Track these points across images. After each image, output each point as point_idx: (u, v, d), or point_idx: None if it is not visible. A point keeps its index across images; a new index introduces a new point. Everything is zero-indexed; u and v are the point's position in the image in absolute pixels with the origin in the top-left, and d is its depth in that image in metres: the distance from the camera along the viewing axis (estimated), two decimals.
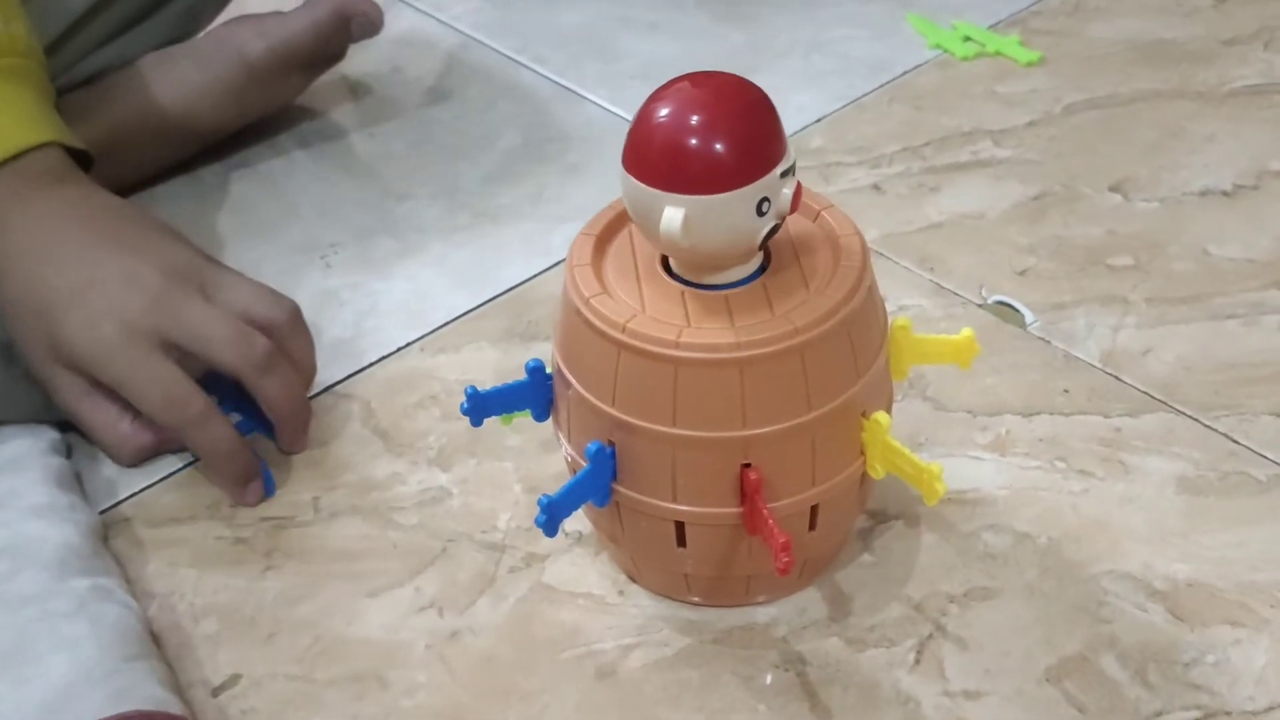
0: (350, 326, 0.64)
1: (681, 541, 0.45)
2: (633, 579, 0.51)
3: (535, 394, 0.47)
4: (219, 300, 0.54)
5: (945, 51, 0.83)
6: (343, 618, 0.50)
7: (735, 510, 0.44)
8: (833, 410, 0.43)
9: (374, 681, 0.48)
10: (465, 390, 0.46)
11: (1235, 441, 0.55)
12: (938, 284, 0.64)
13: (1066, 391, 0.58)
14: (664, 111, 0.40)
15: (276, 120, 0.78)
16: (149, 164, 0.62)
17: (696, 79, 0.41)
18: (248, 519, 0.55)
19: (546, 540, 0.53)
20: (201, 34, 0.74)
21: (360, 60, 0.82)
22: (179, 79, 0.70)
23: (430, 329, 0.64)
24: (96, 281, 0.53)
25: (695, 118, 0.40)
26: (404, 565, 0.52)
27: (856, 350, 0.43)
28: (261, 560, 0.53)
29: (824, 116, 0.77)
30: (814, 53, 0.84)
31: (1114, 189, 0.70)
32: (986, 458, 0.55)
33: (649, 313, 0.43)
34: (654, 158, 0.40)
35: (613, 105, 0.80)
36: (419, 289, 0.66)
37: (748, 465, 0.43)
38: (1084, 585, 0.50)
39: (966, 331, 0.48)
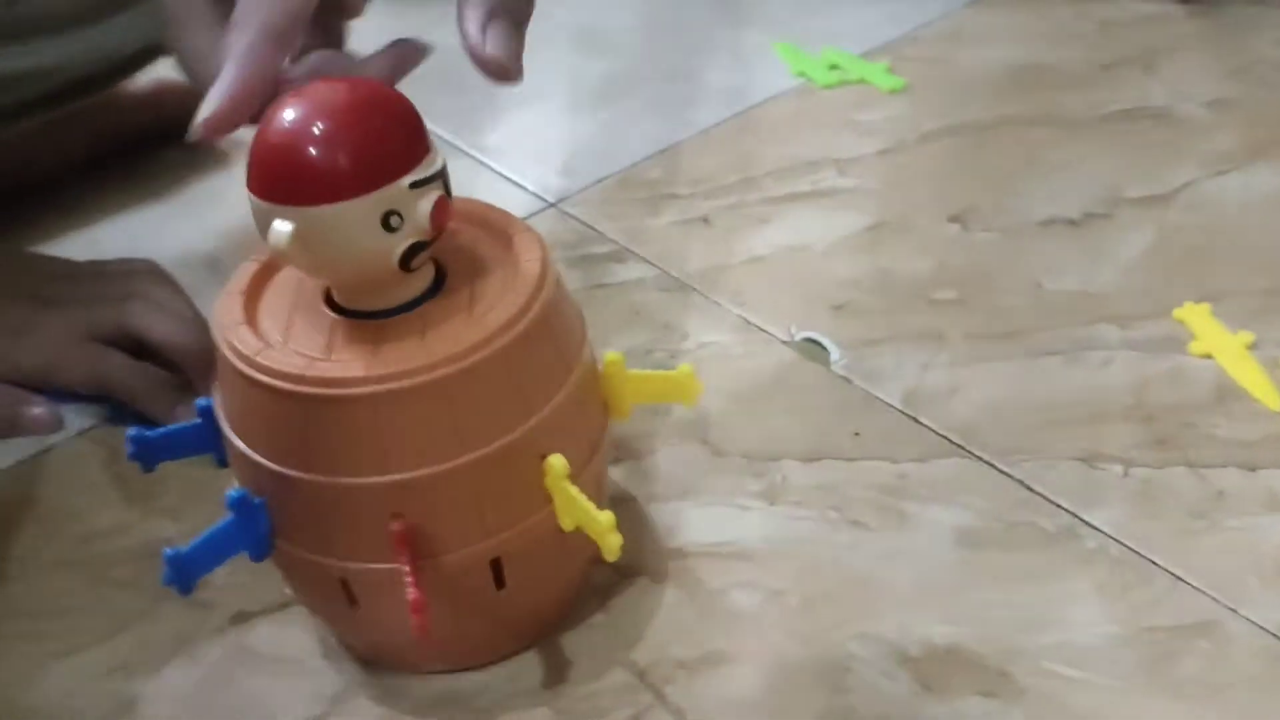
0: None
1: (353, 601, 0.41)
2: (341, 641, 0.46)
3: (211, 436, 0.43)
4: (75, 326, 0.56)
5: (808, 79, 0.78)
6: (21, 683, 0.46)
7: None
8: (495, 453, 0.38)
9: None
10: (128, 434, 0.42)
11: (1029, 488, 0.50)
12: (746, 320, 0.60)
13: (857, 434, 0.53)
14: (276, 119, 0.36)
15: None
16: None
17: (321, 85, 0.37)
18: None
19: (263, 596, 0.48)
20: None
21: None
22: None
23: None
24: None
25: (304, 123, 0.36)
26: (102, 624, 0.48)
27: (524, 385, 0.38)
28: None
29: (668, 147, 0.73)
30: (670, 81, 0.80)
31: (954, 219, 0.65)
32: (754, 507, 0.50)
33: (290, 345, 0.38)
34: (260, 168, 0.36)
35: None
36: None
37: (400, 514, 0.38)
38: (830, 650, 0.44)
39: (684, 367, 0.44)
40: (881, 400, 0.54)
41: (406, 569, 0.37)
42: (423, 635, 0.36)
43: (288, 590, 0.47)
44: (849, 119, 0.74)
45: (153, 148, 0.73)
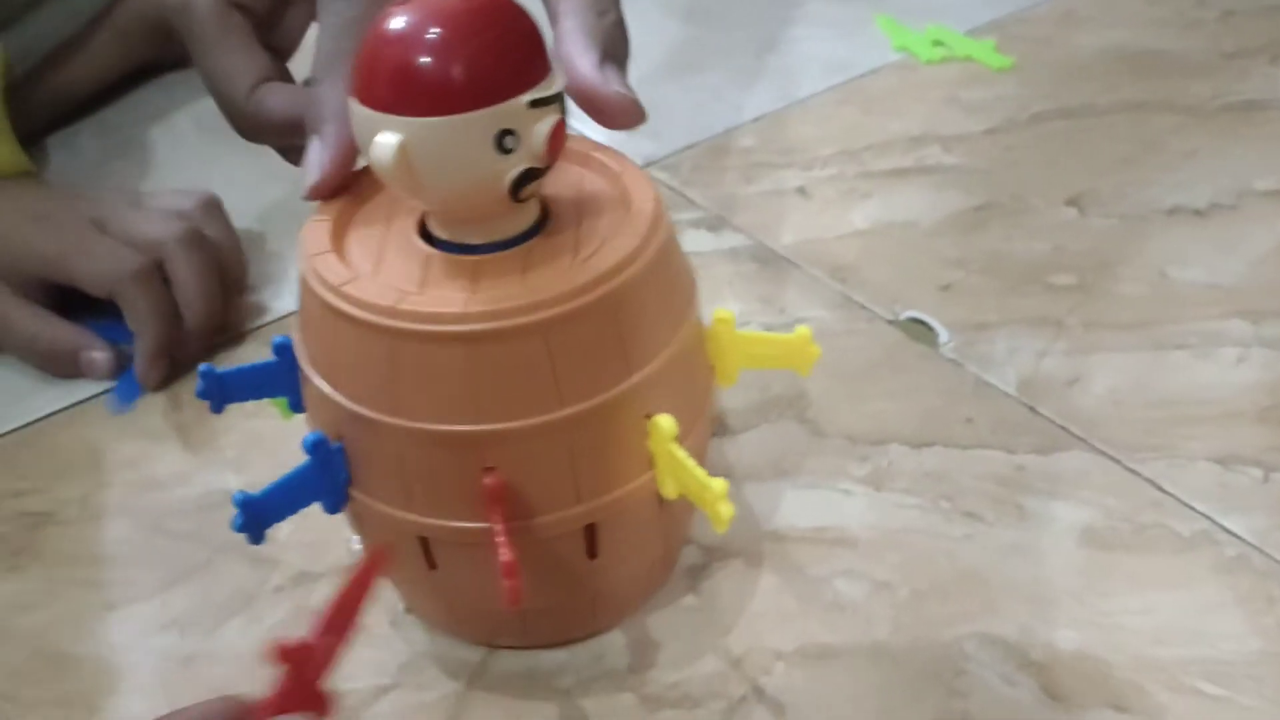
0: None
1: (432, 563, 0.38)
2: (408, 609, 0.43)
3: (286, 377, 0.40)
4: (110, 230, 0.55)
5: (910, 54, 0.74)
6: (71, 632, 0.43)
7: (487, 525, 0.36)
8: (594, 409, 0.35)
9: (82, 708, 0.41)
10: (200, 368, 0.39)
11: (1161, 489, 0.46)
12: (847, 296, 0.56)
13: (969, 421, 0.49)
14: (388, 25, 0.33)
15: None
16: None
17: None
18: (3, 514, 0.48)
19: (330, 556, 0.45)
20: None
21: None
22: None
23: None
24: None
25: (419, 28, 0.32)
26: (158, 576, 0.45)
27: (630, 337, 0.35)
28: (7, 559, 0.46)
29: (761, 116, 0.70)
30: (766, 51, 0.76)
31: (1070, 203, 0.61)
32: (859, 492, 0.46)
33: (382, 277, 0.35)
34: (368, 73, 0.33)
35: None
36: None
37: (492, 468, 0.35)
38: (943, 649, 0.40)
39: (802, 330, 0.40)
40: (995, 387, 0.51)
41: (499, 528, 0.34)
42: (514, 603, 0.33)
43: (355, 548, 0.44)
44: (954, 96, 0.70)
45: None
